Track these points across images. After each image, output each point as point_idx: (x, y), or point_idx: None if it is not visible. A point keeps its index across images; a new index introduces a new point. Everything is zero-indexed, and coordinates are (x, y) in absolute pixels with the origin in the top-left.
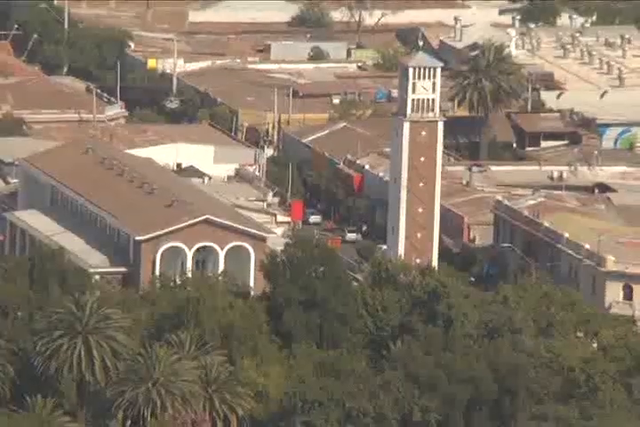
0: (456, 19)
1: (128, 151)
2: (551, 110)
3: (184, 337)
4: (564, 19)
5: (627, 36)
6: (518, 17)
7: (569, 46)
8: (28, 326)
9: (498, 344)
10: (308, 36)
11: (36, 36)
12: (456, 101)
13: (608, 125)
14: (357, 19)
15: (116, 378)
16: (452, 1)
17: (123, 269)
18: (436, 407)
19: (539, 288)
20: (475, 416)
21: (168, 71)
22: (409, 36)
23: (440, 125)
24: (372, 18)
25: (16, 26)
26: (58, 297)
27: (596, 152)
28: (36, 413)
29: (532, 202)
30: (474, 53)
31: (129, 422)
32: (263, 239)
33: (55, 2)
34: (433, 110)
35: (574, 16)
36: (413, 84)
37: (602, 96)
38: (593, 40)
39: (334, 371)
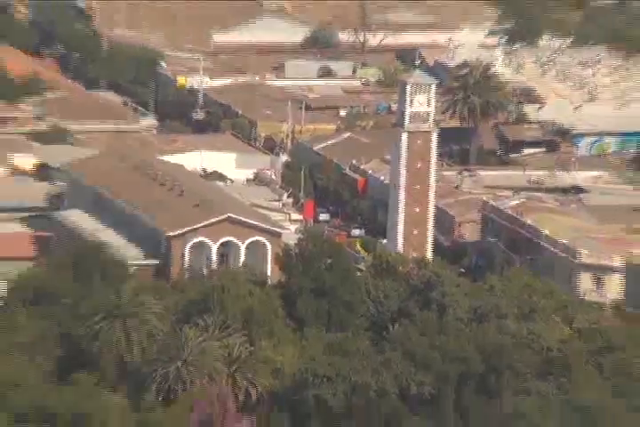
0: (450, 40)
1: (160, 158)
2: (532, 122)
3: (209, 321)
4: (545, 40)
5: (598, 57)
6: (504, 38)
7: (549, 65)
8: (73, 312)
9: (485, 328)
10: (318, 55)
11: (77, 54)
12: (448, 114)
13: (582, 135)
14: (362, 40)
15: (150, 357)
16: (447, 24)
17: (155, 262)
18: (430, 383)
19: (521, 279)
20: (464, 391)
21: (195, 87)
22: (407, 56)
23: (434, 135)
24: (375, 39)
25: (60, 46)
26: (99, 286)
27: (573, 158)
28: (81, 387)
29: (514, 202)
30: (463, 72)
31: (161, 396)
32: (278, 235)
33: (95, 25)
34: (428, 122)
35: (554, 38)
36: (411, 98)
37: (576, 109)
38: (569, 60)
39: (341, 350)
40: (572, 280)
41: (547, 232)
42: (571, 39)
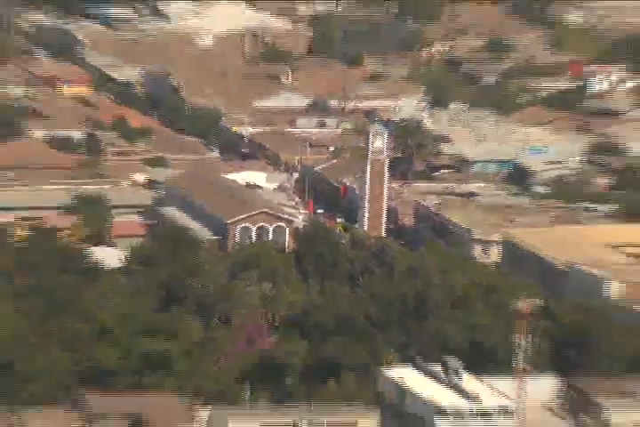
0: (396, 105)
1: (222, 176)
2: (445, 154)
3: (252, 274)
4: (453, 105)
5: (485, 116)
6: (429, 104)
7: (455, 120)
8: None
9: (421, 276)
10: (317, 114)
11: (172, 113)
12: (395, 150)
13: (476, 162)
14: (343, 105)
15: (212, 299)
16: (395, 95)
17: (218, 238)
18: (382, 309)
19: (437, 248)
20: (405, 317)
21: (243, 133)
22: (370, 115)
23: (386, 162)
24: (351, 105)
25: (162, 108)
26: (185, 256)
27: (469, 175)
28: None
29: (435, 202)
30: (404, 124)
31: (222, 320)
32: (292, 222)
33: (182, 94)
34: (383, 154)
35: (459, 104)
36: (372, 140)
37: (472, 146)
38: (468, 117)
39: (331, 292)
40: (469, 250)
41: (455, 220)
42: (468, 104)
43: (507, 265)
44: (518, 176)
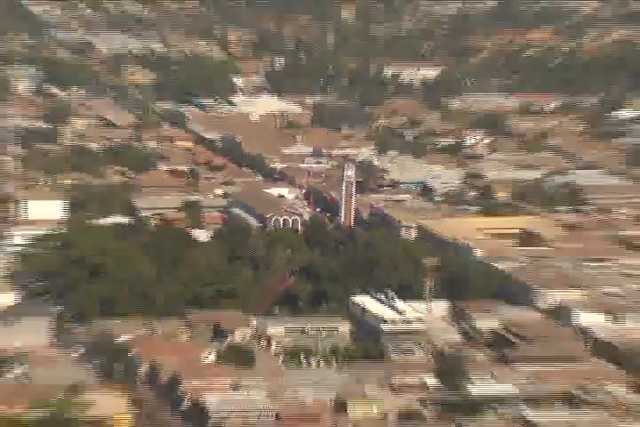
0: (358, 153)
1: (263, 190)
2: (387, 179)
3: (280, 246)
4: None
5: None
6: (377, 151)
7: (392, 162)
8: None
9: (372, 246)
10: (316, 158)
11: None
12: (358, 177)
13: (402, 183)
14: (330, 152)
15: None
16: (357, 146)
17: (262, 225)
18: (354, 268)
19: (383, 232)
20: (364, 268)
21: (276, 167)
22: (345, 158)
23: (354, 183)
24: (334, 152)
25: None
26: (243, 234)
27: (399, 190)
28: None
29: (382, 204)
30: (363, 163)
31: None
32: (302, 215)
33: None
34: (352, 179)
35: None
36: (346, 172)
37: (402, 174)
38: (399, 158)
39: (324, 256)
40: (399, 232)
41: (392, 215)
42: (398, 152)
43: (419, 240)
44: (425, 191)
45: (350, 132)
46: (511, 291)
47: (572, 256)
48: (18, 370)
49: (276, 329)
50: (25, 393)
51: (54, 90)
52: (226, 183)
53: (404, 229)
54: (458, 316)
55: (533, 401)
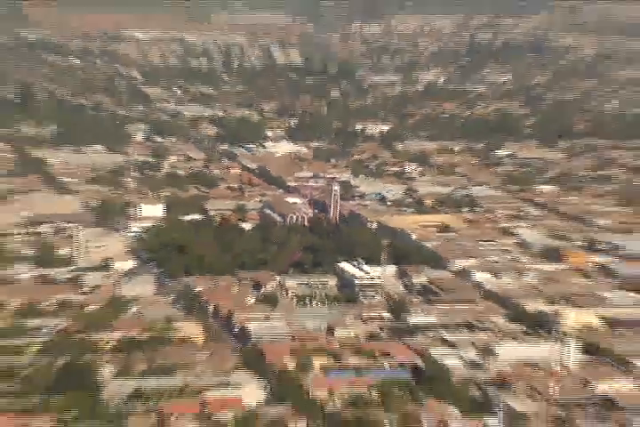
0: (340, 177)
1: (284, 198)
2: (357, 191)
3: (294, 234)
4: (361, 175)
5: (370, 178)
6: (352, 175)
7: (361, 181)
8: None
9: (350, 234)
10: (315, 178)
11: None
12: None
13: (368, 194)
14: (324, 175)
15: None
16: (340, 172)
17: (282, 221)
18: (340, 247)
19: (359, 226)
20: (346, 245)
21: (291, 184)
22: (333, 179)
23: (339, 194)
24: (326, 175)
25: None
26: (271, 226)
27: (366, 199)
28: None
29: (355, 207)
30: (343, 182)
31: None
32: (308, 214)
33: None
34: (337, 192)
35: (361, 175)
36: (334, 187)
37: (368, 188)
38: (365, 179)
39: (321, 240)
40: (368, 226)
41: (362, 215)
42: (365, 175)
43: (378, 229)
44: (382, 199)
45: (336, 163)
46: (433, 259)
47: (470, 239)
48: (133, 309)
49: (290, 283)
50: (138, 323)
51: (158, 138)
52: (260, 195)
53: (368, 223)
54: (401, 275)
55: (447, 327)
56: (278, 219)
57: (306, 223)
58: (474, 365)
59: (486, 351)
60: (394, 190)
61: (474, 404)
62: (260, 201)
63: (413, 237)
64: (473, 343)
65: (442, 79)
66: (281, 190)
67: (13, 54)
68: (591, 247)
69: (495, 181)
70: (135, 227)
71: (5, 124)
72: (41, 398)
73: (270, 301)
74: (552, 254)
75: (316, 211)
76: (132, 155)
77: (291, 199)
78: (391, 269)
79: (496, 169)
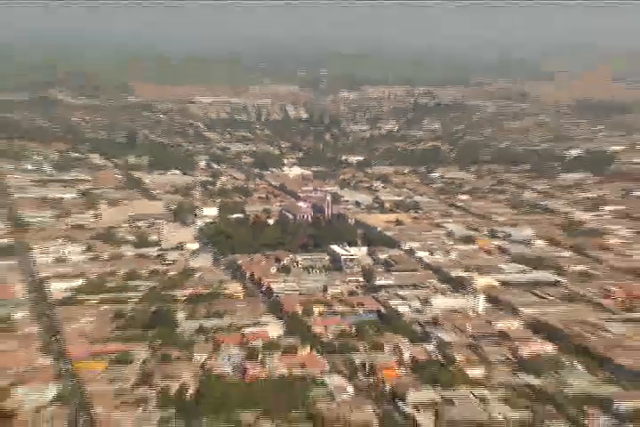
0: (332, 190)
1: (296, 204)
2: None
3: (301, 226)
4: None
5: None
6: (339, 188)
7: (344, 192)
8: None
9: (339, 227)
10: (315, 191)
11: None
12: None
13: (349, 201)
14: (320, 188)
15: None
16: (333, 187)
17: (293, 218)
18: (334, 235)
19: (342, 221)
20: (335, 234)
21: (300, 194)
22: (327, 191)
23: (330, 201)
24: (323, 189)
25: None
26: (288, 222)
27: (348, 203)
28: None
29: (341, 209)
30: (332, 193)
31: None
32: (310, 214)
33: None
34: (329, 200)
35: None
36: (327, 197)
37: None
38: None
39: (319, 229)
40: (349, 221)
41: (346, 214)
42: (347, 188)
43: (356, 224)
44: (358, 204)
45: (328, 181)
46: (391, 243)
47: (414, 229)
48: (197, 275)
49: (299, 258)
50: (201, 284)
51: (214, 165)
52: (280, 201)
53: (349, 219)
54: (370, 253)
55: (400, 287)
56: (291, 217)
57: (309, 220)
58: (417, 311)
59: (425, 302)
60: (366, 199)
61: (417, 336)
62: (280, 205)
63: (378, 228)
64: (417, 297)
65: (396, 127)
66: (293, 199)
67: (123, 112)
68: (492, 235)
69: (430, 192)
70: (199, 222)
71: (117, 156)
72: (139, 331)
73: (286, 270)
74: (467, 240)
75: (316, 212)
76: (197, 176)
77: (299, 204)
78: (364, 250)
79: (431, 185)
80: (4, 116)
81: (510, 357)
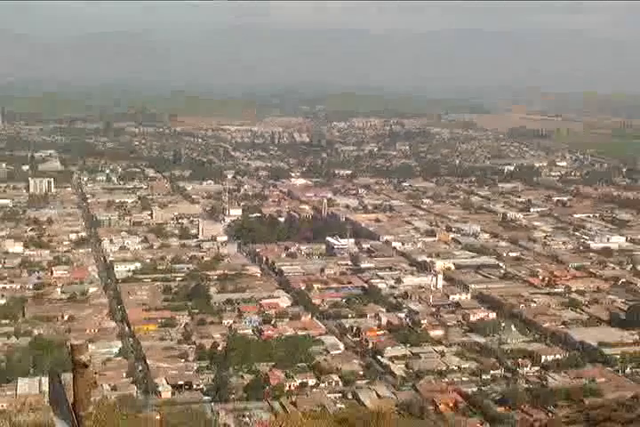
0: (327, 194)
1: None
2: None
3: (305, 220)
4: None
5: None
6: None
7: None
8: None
9: (334, 223)
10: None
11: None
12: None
13: (343, 203)
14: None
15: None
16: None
17: (298, 216)
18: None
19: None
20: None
21: (304, 199)
22: (323, 197)
23: (326, 204)
24: (321, 194)
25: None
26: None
27: (340, 205)
28: None
29: (335, 210)
30: (328, 198)
31: None
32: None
33: None
34: (325, 205)
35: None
36: (324, 202)
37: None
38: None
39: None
40: (340, 219)
41: (338, 213)
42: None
43: (346, 221)
44: (347, 206)
45: (325, 189)
46: (372, 235)
47: (390, 225)
48: (226, 260)
49: (303, 247)
50: (228, 266)
51: (239, 177)
52: (288, 204)
53: (341, 218)
54: (356, 243)
55: (379, 269)
56: (297, 216)
57: (310, 218)
58: (392, 287)
59: (398, 280)
60: (353, 202)
61: (392, 306)
62: (288, 207)
63: (362, 224)
64: (392, 277)
65: (376, 149)
66: (298, 202)
67: (170, 138)
68: (449, 230)
69: (402, 197)
70: (227, 220)
71: (166, 170)
72: (182, 302)
73: (293, 256)
74: (430, 233)
75: (315, 212)
76: (226, 185)
77: (303, 206)
78: (351, 241)
79: (403, 192)
80: (84, 140)
81: (462, 321)
